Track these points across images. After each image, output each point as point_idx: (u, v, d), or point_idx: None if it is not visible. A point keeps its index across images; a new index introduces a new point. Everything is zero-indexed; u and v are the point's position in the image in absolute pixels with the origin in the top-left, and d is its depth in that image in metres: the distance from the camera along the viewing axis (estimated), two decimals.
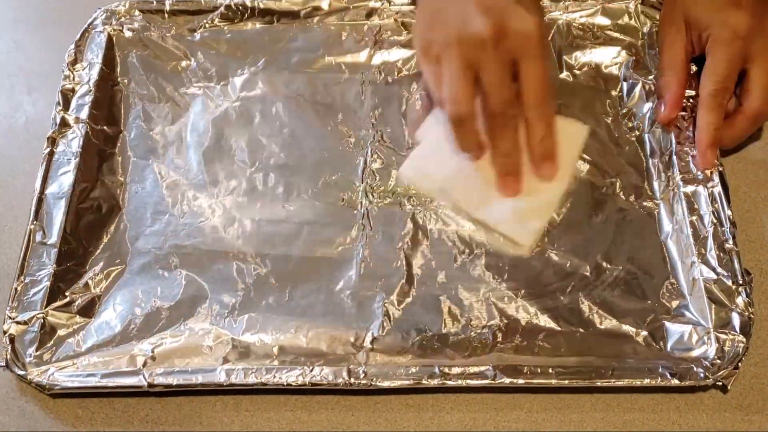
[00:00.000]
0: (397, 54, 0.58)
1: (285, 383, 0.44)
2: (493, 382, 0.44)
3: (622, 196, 0.52)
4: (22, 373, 0.46)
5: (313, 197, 0.52)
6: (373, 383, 0.44)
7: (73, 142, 0.54)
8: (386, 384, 0.44)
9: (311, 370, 0.45)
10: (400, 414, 0.46)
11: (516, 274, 0.49)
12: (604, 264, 0.49)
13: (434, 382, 0.44)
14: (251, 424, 0.46)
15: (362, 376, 0.45)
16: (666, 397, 0.46)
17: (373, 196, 0.52)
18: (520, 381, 0.44)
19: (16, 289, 0.48)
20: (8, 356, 0.46)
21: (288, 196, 0.52)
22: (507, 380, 0.44)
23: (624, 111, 0.55)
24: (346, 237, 0.51)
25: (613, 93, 0.56)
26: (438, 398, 0.46)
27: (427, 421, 0.45)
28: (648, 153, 0.53)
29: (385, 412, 0.46)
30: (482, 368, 0.45)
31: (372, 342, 0.47)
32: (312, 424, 0.45)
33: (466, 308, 0.48)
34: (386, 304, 0.48)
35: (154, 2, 0.60)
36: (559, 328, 0.47)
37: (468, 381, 0.44)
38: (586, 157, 0.53)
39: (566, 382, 0.44)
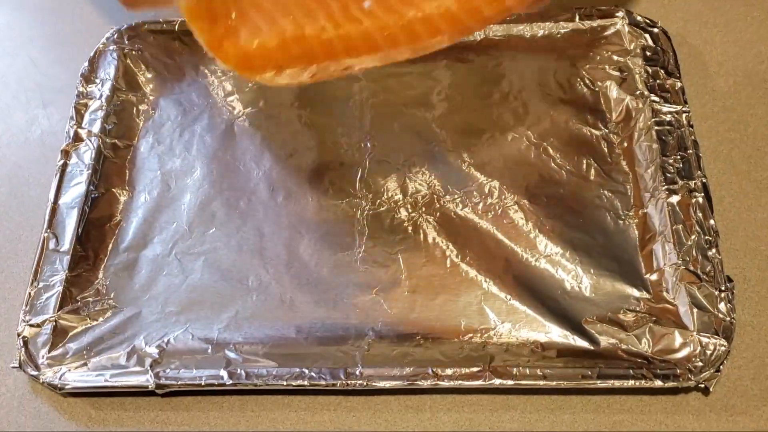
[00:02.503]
0: None
1: (285, 384, 0.46)
2: (484, 383, 0.45)
3: (610, 206, 0.52)
4: (35, 373, 0.47)
5: (312, 203, 0.54)
6: (369, 384, 0.45)
7: (85, 154, 0.56)
8: (381, 384, 0.45)
9: (310, 372, 0.46)
10: (399, 415, 0.47)
11: (508, 278, 0.50)
12: (592, 271, 0.50)
13: (427, 383, 0.45)
14: (257, 424, 0.47)
15: (359, 377, 0.45)
16: (653, 399, 0.46)
17: (369, 201, 0.53)
18: (510, 382, 0.45)
19: (30, 293, 0.50)
20: (22, 357, 0.47)
21: (289, 203, 0.54)
22: (497, 381, 0.45)
23: (611, 125, 0.56)
24: (344, 242, 0.52)
25: (602, 107, 0.56)
26: (435, 399, 0.47)
27: (425, 421, 0.46)
28: (635, 165, 0.54)
29: (384, 413, 0.47)
30: (474, 369, 0.45)
31: (368, 345, 0.48)
32: (315, 424, 0.47)
33: (460, 312, 0.49)
34: (382, 308, 0.49)
35: (164, 24, 0.61)
36: (549, 332, 0.48)
37: (460, 382, 0.45)
38: (573, 169, 0.54)
39: (554, 383, 0.45)
